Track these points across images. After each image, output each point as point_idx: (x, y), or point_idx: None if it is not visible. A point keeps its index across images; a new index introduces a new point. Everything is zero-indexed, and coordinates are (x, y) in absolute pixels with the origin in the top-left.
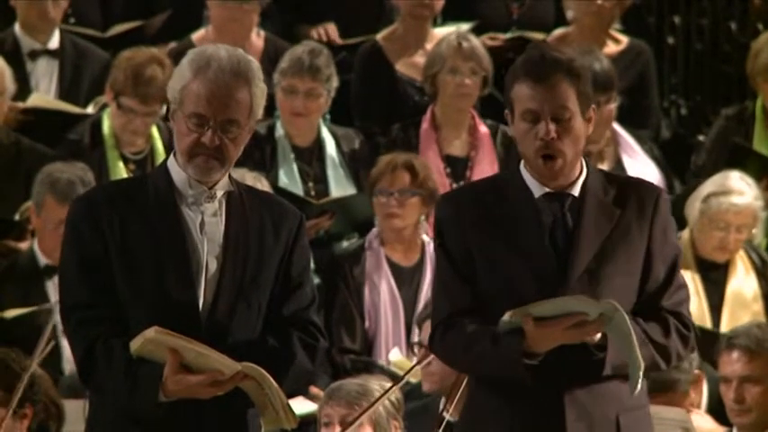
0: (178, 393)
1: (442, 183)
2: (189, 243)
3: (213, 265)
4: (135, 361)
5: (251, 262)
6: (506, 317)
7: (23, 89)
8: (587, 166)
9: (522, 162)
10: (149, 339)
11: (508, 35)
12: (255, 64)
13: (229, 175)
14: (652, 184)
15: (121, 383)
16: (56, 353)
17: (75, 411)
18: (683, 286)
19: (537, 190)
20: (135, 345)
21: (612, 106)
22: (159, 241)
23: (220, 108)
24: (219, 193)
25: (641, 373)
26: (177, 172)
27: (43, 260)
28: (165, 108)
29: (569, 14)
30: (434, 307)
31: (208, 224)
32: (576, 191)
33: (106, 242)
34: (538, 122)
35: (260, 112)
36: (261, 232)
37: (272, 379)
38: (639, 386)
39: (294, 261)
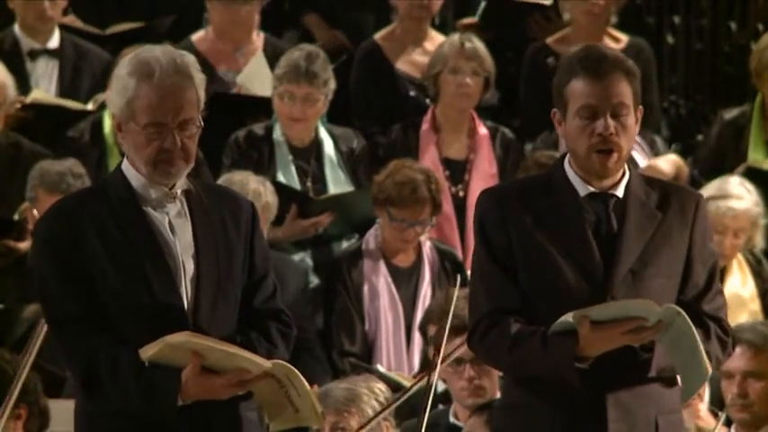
0: (199, 395)
1: (443, 186)
2: (164, 246)
3: (190, 266)
4: (146, 367)
5: (222, 257)
6: (565, 318)
7: (23, 89)
8: (629, 168)
9: (567, 160)
10: (174, 344)
11: (480, 9)
12: (191, 57)
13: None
14: (692, 189)
15: (134, 390)
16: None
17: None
18: (721, 292)
19: (582, 189)
20: (150, 351)
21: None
22: (134, 247)
23: (175, 111)
24: (179, 192)
25: (706, 379)
26: (134, 176)
27: None
28: None
29: (566, 16)
30: (473, 303)
31: (176, 225)
32: (619, 192)
33: (83, 253)
34: (595, 119)
35: (203, 102)
36: (223, 226)
37: (300, 376)
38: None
39: (256, 250)
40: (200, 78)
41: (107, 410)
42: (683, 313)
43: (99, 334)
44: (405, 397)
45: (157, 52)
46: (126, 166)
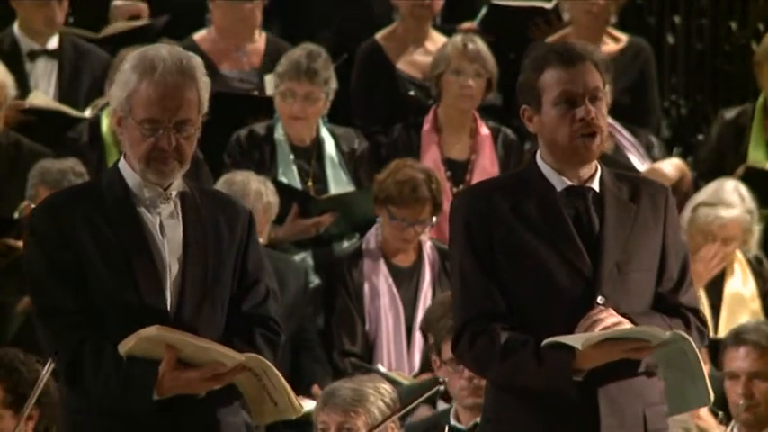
0: (174, 389)
1: (444, 186)
2: (152, 246)
3: (175, 267)
4: (126, 360)
5: (211, 261)
6: (571, 341)
7: (22, 89)
8: (600, 163)
9: (539, 156)
10: (147, 337)
11: (480, 14)
12: (197, 59)
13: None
14: (659, 181)
15: (113, 384)
16: None
17: None
18: (692, 283)
19: (558, 183)
20: (127, 345)
21: (606, 89)
22: (123, 245)
23: (173, 110)
24: (174, 194)
25: (707, 404)
26: (131, 175)
27: None
28: None
29: (566, 16)
30: (457, 308)
31: (167, 226)
32: (595, 185)
33: (72, 246)
34: (574, 105)
35: (206, 106)
36: (217, 230)
37: (275, 369)
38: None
39: (249, 256)
40: (204, 82)
41: (89, 408)
42: (690, 339)
43: (86, 327)
44: (415, 404)
45: (164, 51)
46: (123, 165)
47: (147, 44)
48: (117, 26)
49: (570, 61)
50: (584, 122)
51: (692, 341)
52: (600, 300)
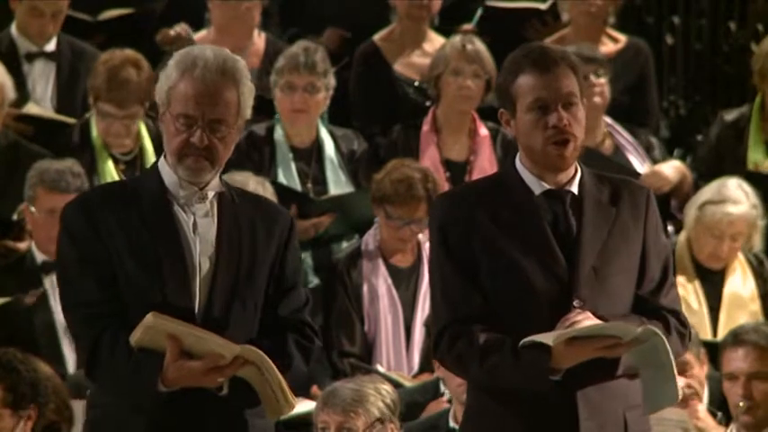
0: (179, 381)
1: (442, 186)
2: (183, 244)
3: (206, 266)
4: (137, 351)
5: (244, 262)
6: (542, 339)
7: (20, 91)
8: (580, 165)
9: (518, 159)
10: (149, 327)
11: (476, 16)
12: (242, 63)
13: (220, 176)
14: (640, 183)
15: (124, 373)
16: (58, 354)
17: (77, 411)
18: (674, 285)
19: (537, 187)
20: (135, 335)
21: (603, 80)
22: (154, 242)
23: (208, 107)
24: (210, 194)
25: (674, 404)
26: (168, 173)
27: (40, 257)
28: (144, 108)
29: (564, 17)
30: (436, 311)
31: (200, 225)
32: (574, 188)
33: (104, 241)
34: (547, 112)
35: (248, 112)
36: (253, 232)
37: (271, 362)
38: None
39: (288, 261)
40: (247, 87)
41: (114, 403)
42: (661, 335)
43: (109, 318)
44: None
45: (208, 51)
46: (162, 163)
47: (146, 34)
48: (112, 12)
49: (544, 67)
50: (557, 129)
51: (663, 337)
52: (576, 303)
